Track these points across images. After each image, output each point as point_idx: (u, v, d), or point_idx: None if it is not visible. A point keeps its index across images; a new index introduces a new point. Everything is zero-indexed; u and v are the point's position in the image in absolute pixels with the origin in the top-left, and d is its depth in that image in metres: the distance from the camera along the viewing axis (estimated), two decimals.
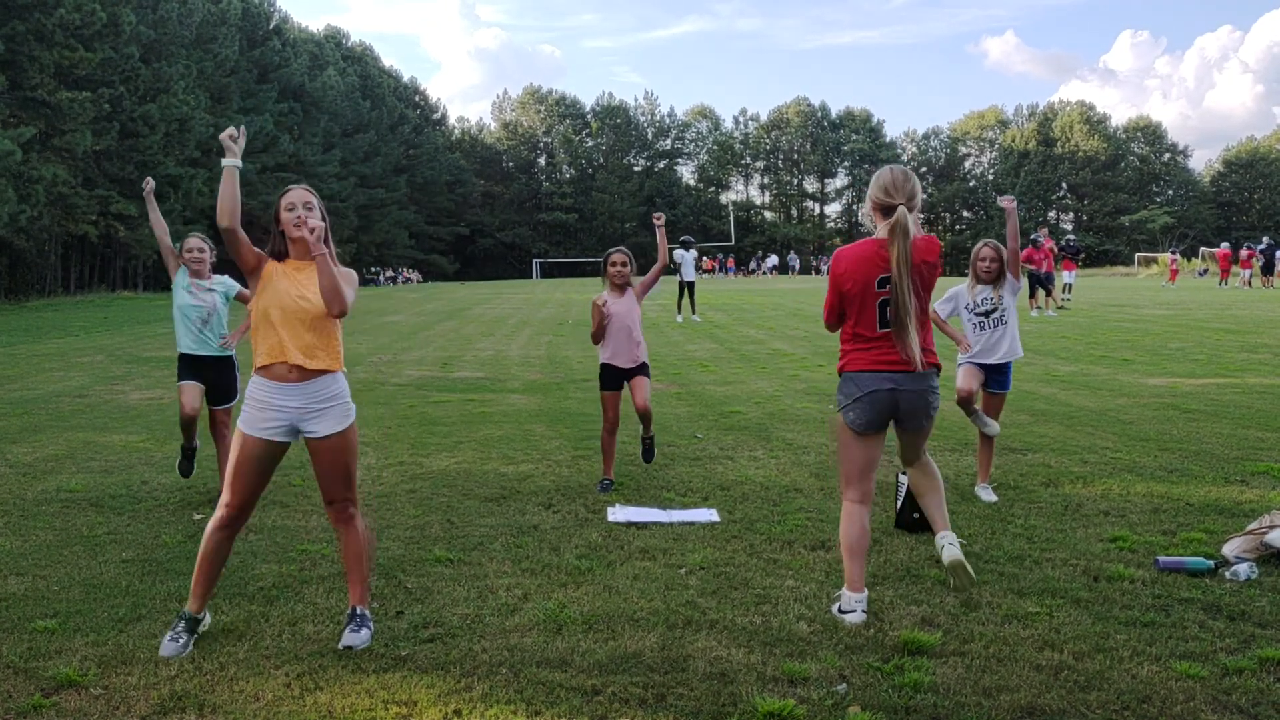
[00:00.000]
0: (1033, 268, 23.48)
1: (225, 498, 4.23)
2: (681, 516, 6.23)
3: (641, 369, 7.13)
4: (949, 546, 4.45)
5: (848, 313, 4.47)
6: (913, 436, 4.57)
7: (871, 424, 4.44)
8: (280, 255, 4.23)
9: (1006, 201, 6.25)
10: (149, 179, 6.91)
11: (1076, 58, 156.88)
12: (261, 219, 57.15)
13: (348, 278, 4.23)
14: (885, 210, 4.37)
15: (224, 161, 4.10)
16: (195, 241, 6.90)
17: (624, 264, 7.11)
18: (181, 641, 4.11)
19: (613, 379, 7.09)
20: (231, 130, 4.15)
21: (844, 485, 4.58)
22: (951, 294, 6.78)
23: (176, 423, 6.93)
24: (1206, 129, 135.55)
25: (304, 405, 4.16)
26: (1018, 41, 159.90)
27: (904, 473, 6.04)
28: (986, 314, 6.61)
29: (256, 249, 4.21)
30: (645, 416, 7.19)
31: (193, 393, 6.81)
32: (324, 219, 4.20)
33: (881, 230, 4.37)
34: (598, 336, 7.06)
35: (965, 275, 6.81)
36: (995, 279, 6.59)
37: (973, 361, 6.69)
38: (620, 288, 7.10)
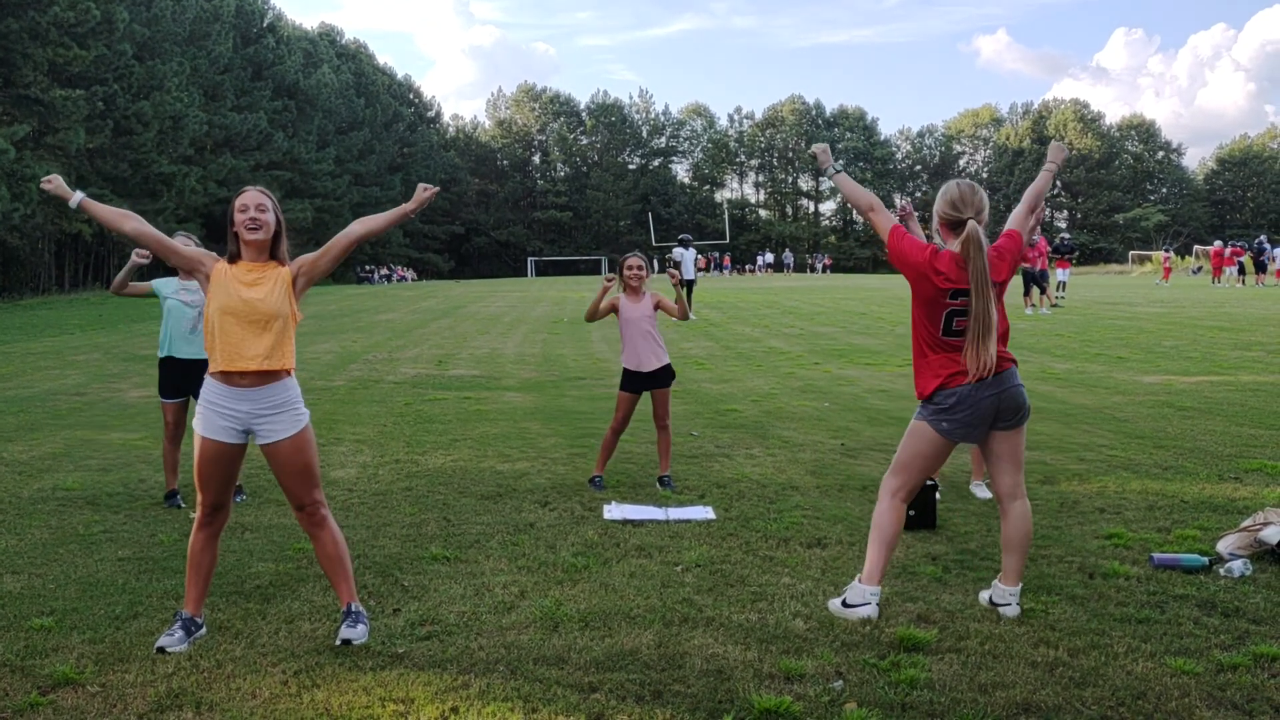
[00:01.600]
0: (1026, 265, 23.51)
1: (198, 500, 4.25)
2: (678, 514, 6.24)
3: (665, 374, 7.07)
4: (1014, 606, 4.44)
5: (919, 317, 4.38)
6: (1012, 440, 4.43)
7: (968, 432, 4.36)
8: (234, 257, 4.23)
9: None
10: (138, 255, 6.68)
11: (1068, 56, 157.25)
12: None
13: (327, 248, 4.30)
14: (954, 225, 4.35)
15: (70, 203, 4.26)
16: (182, 236, 6.76)
17: (640, 267, 7.06)
18: (178, 636, 4.12)
19: (634, 383, 7.04)
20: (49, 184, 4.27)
21: (896, 480, 4.51)
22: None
23: (164, 423, 6.87)
24: (1198, 127, 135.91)
25: (254, 410, 4.15)
26: (1009, 40, 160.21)
27: None
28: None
29: (194, 249, 4.31)
30: (664, 429, 7.10)
31: (173, 410, 6.79)
32: (279, 220, 4.22)
33: (954, 246, 4.32)
34: (592, 315, 7.02)
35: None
36: None
37: None
38: (636, 290, 7.05)
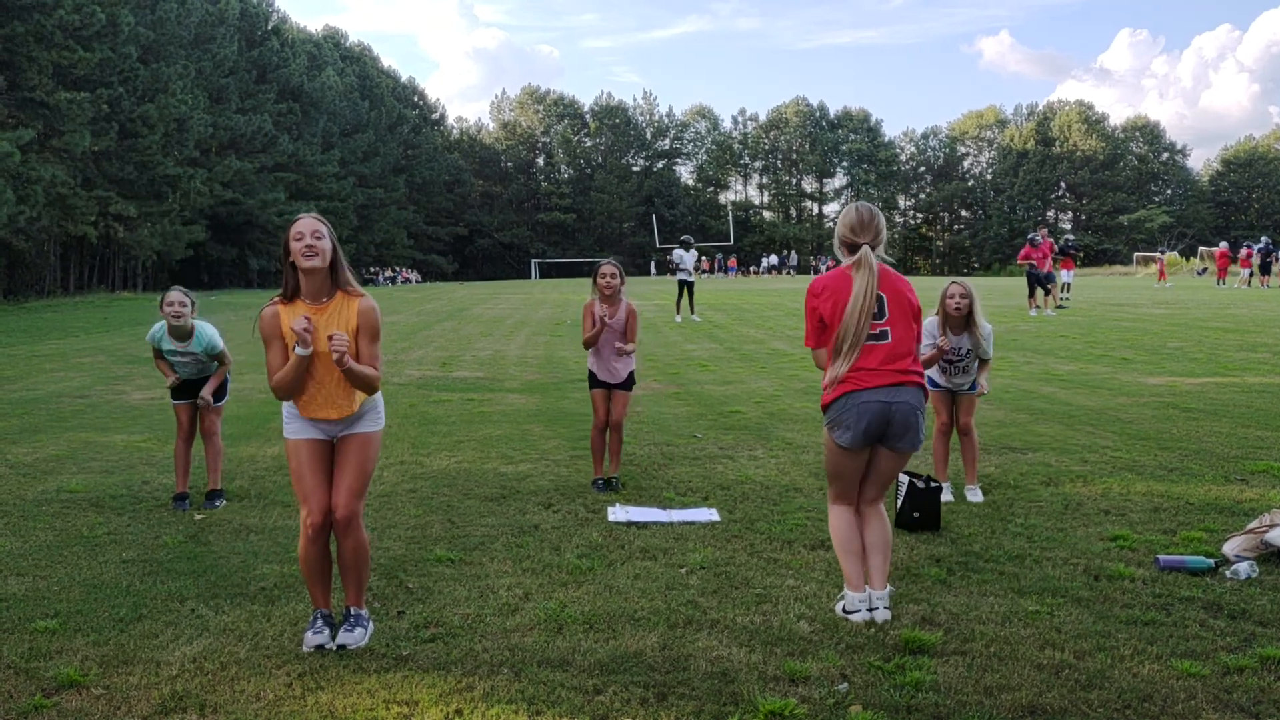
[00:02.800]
0: (1033, 266, 23.48)
1: (303, 513, 4.19)
2: (682, 516, 6.24)
3: (626, 382, 7.14)
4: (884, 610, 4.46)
5: (827, 339, 4.52)
6: (895, 461, 4.56)
7: (864, 438, 4.45)
8: (294, 292, 4.15)
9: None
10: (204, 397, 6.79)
11: (1071, 58, 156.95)
12: (259, 219, 57.33)
13: (369, 329, 4.17)
14: (851, 248, 4.52)
15: (297, 350, 4.05)
16: (177, 295, 6.58)
17: (613, 275, 7.02)
18: (325, 634, 4.15)
19: (601, 381, 7.14)
20: (304, 323, 4.05)
21: (831, 488, 4.68)
22: (928, 329, 6.63)
23: (176, 424, 6.90)
24: (1202, 128, 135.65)
25: (342, 430, 4.23)
26: (1012, 41, 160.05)
27: (905, 471, 6.05)
28: (952, 362, 6.60)
29: (270, 323, 4.14)
30: (616, 430, 7.14)
31: (184, 410, 6.81)
32: (334, 246, 4.13)
33: (847, 264, 4.50)
34: (590, 343, 7.03)
35: (934, 310, 6.58)
36: (965, 319, 6.44)
37: (939, 387, 6.75)
38: (610, 299, 7.05)
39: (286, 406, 4.23)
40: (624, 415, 7.20)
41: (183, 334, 6.62)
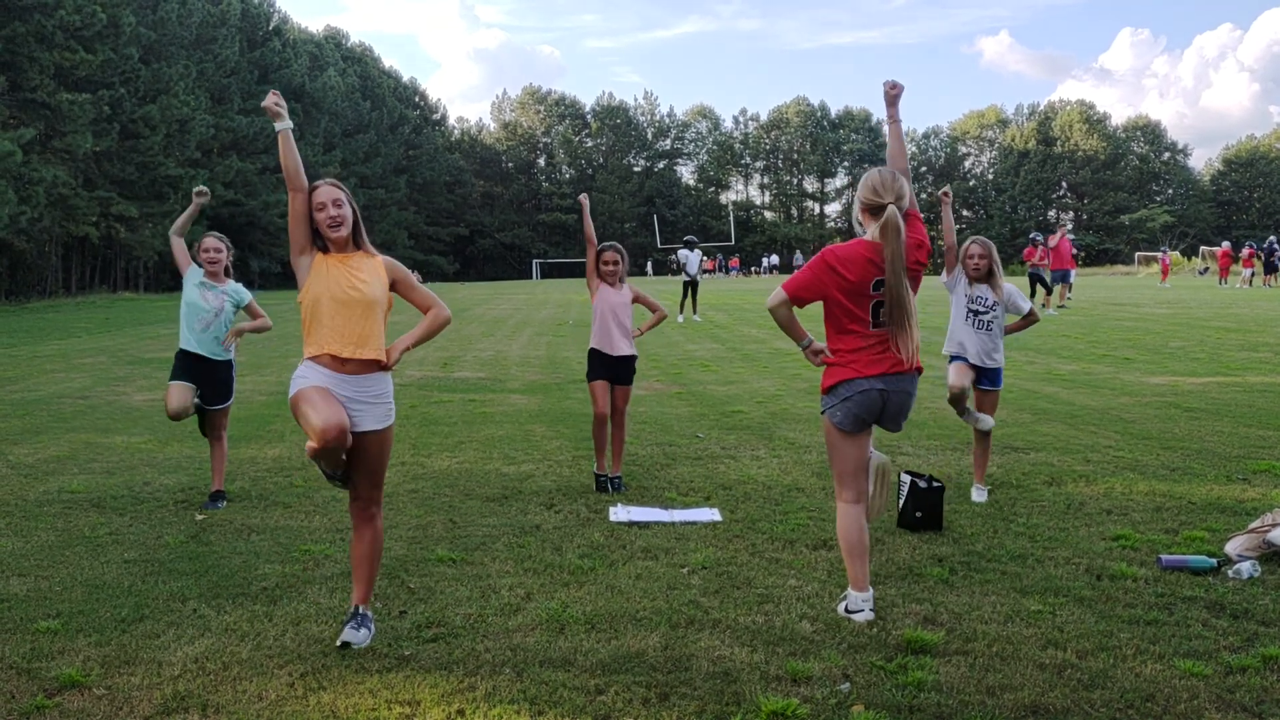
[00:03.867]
0: (1032, 266, 23.47)
1: (316, 426, 3.97)
2: (684, 516, 6.23)
3: (628, 365, 7.15)
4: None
5: (833, 312, 4.45)
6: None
7: (859, 423, 4.45)
8: (323, 250, 4.22)
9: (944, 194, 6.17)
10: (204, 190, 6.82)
11: (1071, 57, 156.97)
12: (261, 220, 57.33)
13: (405, 280, 4.35)
14: (875, 210, 4.39)
15: (276, 125, 4.16)
16: (212, 241, 6.77)
17: (616, 261, 7.20)
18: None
19: (600, 367, 7.11)
20: (274, 97, 4.21)
21: (838, 486, 4.60)
22: (958, 270, 6.65)
23: (178, 424, 6.90)
24: (1203, 128, 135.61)
25: (352, 396, 4.14)
26: (1012, 41, 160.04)
27: (907, 471, 6.05)
28: (978, 314, 6.56)
29: (311, 232, 4.19)
30: (619, 427, 7.16)
31: (180, 392, 6.67)
32: (354, 210, 4.21)
33: (873, 231, 4.38)
34: (590, 240, 7.32)
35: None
36: (986, 276, 6.51)
37: (963, 358, 6.63)
38: (614, 282, 7.19)
39: (300, 367, 4.17)
40: (627, 408, 7.19)
41: (217, 278, 6.74)
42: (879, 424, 4.53)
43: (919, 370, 4.49)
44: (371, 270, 4.22)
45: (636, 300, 7.25)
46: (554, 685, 3.76)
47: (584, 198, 7.42)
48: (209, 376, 6.76)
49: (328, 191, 4.15)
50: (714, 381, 13.08)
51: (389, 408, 4.27)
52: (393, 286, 4.31)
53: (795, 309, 4.48)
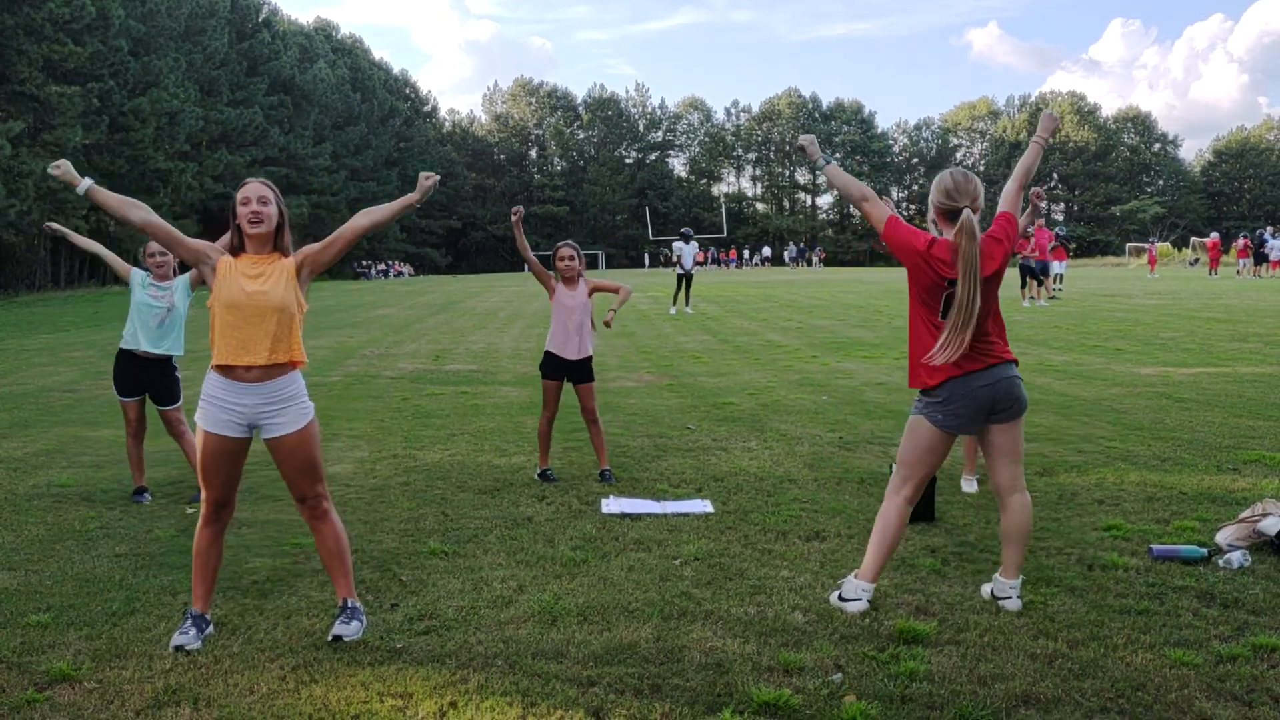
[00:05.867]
0: (1024, 258, 23.52)
1: (202, 495, 4.21)
2: (676, 508, 6.23)
3: (585, 367, 7.10)
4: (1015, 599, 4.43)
5: (920, 309, 4.36)
6: (1009, 432, 4.39)
7: (966, 423, 4.35)
8: (237, 250, 4.17)
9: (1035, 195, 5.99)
10: (49, 224, 6.96)
11: (1060, 49, 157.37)
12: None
13: (311, 251, 4.23)
14: (949, 214, 4.33)
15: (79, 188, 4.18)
16: (157, 245, 6.55)
17: (571, 258, 7.09)
18: (191, 634, 4.10)
19: (555, 369, 7.09)
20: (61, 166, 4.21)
21: (902, 482, 4.50)
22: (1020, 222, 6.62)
23: (125, 420, 6.85)
24: (1192, 119, 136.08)
25: (261, 404, 4.11)
26: (1001, 33, 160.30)
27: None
28: None
29: (199, 241, 4.21)
30: (594, 423, 7.13)
31: (132, 408, 6.75)
32: (281, 211, 4.16)
33: (949, 235, 4.31)
34: (525, 257, 7.00)
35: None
36: None
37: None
38: (570, 280, 7.09)
39: (206, 382, 4.15)
40: (594, 405, 7.15)
41: (166, 278, 6.70)
42: (992, 420, 4.37)
43: (1013, 360, 4.41)
44: (279, 272, 4.13)
45: (595, 291, 7.15)
46: (546, 677, 3.75)
47: (517, 211, 7.10)
48: (151, 379, 6.72)
49: (255, 188, 4.11)
50: (705, 373, 13.08)
51: (303, 406, 4.20)
52: (310, 265, 4.20)
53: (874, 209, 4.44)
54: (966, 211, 4.22)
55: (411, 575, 4.99)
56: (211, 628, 4.23)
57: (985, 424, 4.41)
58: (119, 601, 4.63)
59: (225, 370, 4.10)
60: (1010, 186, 4.58)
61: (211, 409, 4.13)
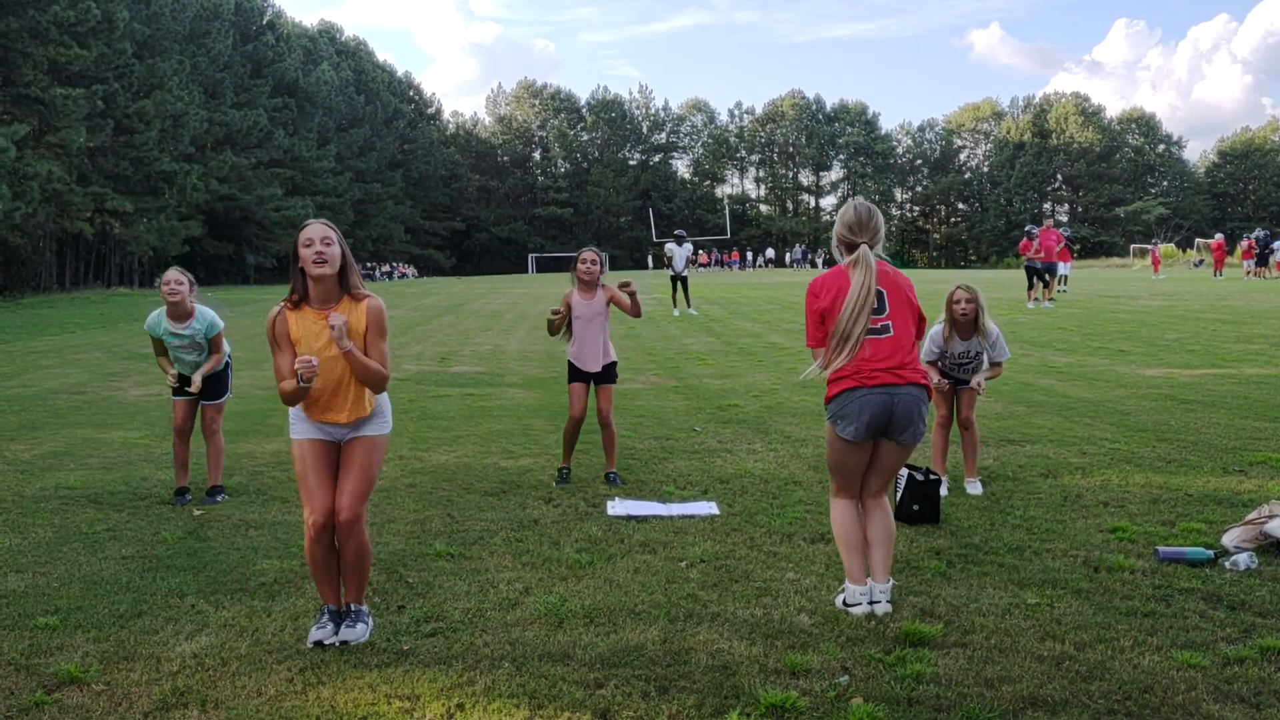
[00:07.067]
0: (1028, 259, 23.51)
1: (305, 513, 4.17)
2: (681, 510, 6.24)
3: (609, 371, 7.12)
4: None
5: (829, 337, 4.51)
6: (897, 454, 4.53)
7: (864, 431, 4.44)
8: (301, 299, 4.13)
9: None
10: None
11: (1062, 50, 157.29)
12: (256, 214, 57.19)
13: (377, 327, 4.16)
14: (849, 246, 4.51)
15: (300, 381, 4.00)
16: (174, 274, 6.63)
17: (594, 262, 7.06)
18: (329, 629, 4.15)
19: (580, 374, 7.12)
20: (309, 363, 3.98)
21: (836, 484, 4.64)
22: (933, 337, 6.59)
23: (174, 418, 6.90)
24: (1195, 120, 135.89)
25: (348, 433, 4.22)
26: (1003, 34, 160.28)
27: (904, 465, 6.04)
28: (960, 365, 6.63)
29: (280, 329, 4.13)
30: (607, 426, 7.14)
31: (183, 407, 6.80)
32: (344, 251, 4.12)
33: (846, 263, 4.48)
34: (553, 331, 7.04)
35: (941, 315, 6.54)
36: (973, 324, 6.41)
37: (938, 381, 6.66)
38: (589, 286, 7.05)
39: (294, 408, 4.22)
40: (610, 409, 7.16)
41: (182, 314, 6.66)
42: (887, 436, 4.48)
43: (922, 383, 4.49)
44: (351, 324, 4.12)
45: (611, 301, 7.07)
46: (553, 679, 3.76)
47: (558, 313, 7.04)
48: (209, 383, 6.79)
49: (317, 229, 4.07)
50: (710, 375, 13.09)
51: (384, 419, 4.27)
52: (365, 332, 4.16)
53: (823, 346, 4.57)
54: (863, 247, 4.43)
55: (418, 577, 5.00)
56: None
57: (881, 438, 4.49)
58: (126, 604, 4.64)
59: (312, 415, 4.18)
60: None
61: (305, 424, 4.19)
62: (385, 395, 4.31)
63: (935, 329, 6.58)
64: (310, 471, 4.15)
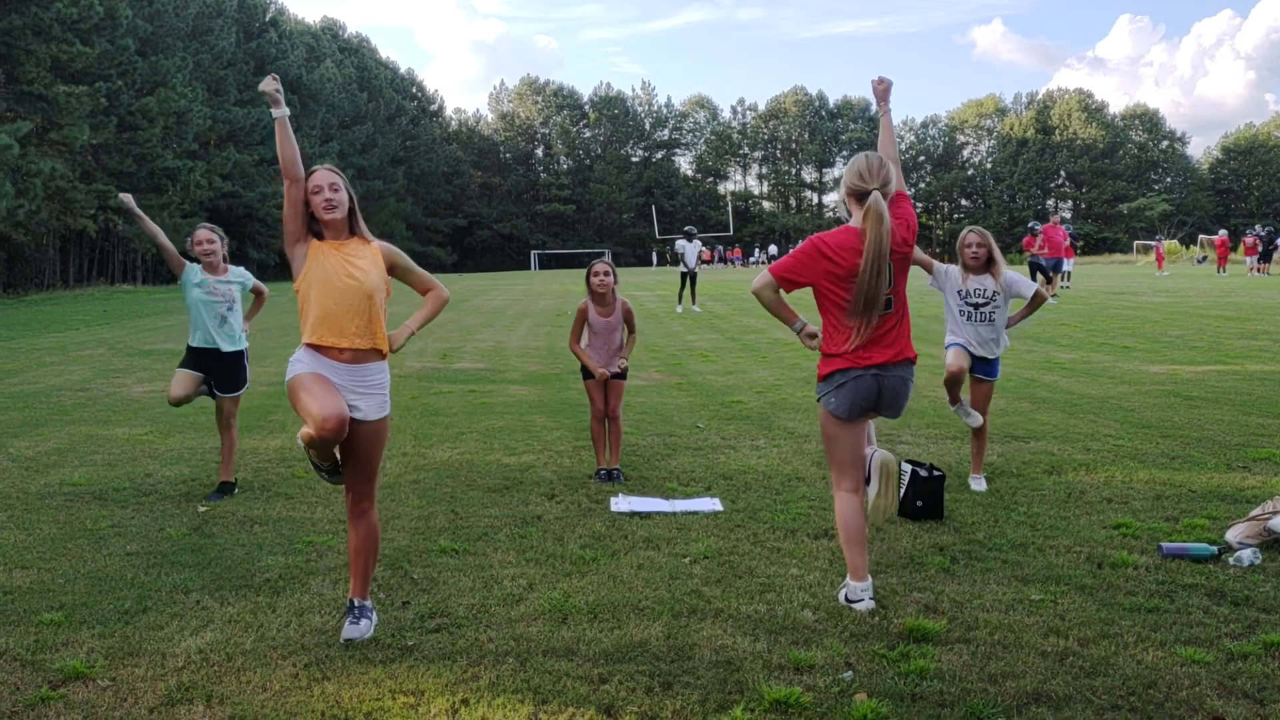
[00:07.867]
0: (1032, 254, 23.49)
1: (308, 419, 3.99)
2: (685, 506, 6.24)
3: (620, 370, 7.16)
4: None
5: (826, 302, 4.45)
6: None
7: (856, 411, 4.45)
8: (318, 236, 4.21)
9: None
10: (124, 195, 6.81)
11: (1065, 46, 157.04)
12: (259, 211, 57.23)
13: (403, 262, 4.43)
14: (859, 196, 4.39)
15: (274, 112, 4.15)
16: (205, 233, 6.72)
17: (606, 273, 7.01)
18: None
19: (590, 372, 7.16)
20: (273, 81, 4.17)
21: (835, 476, 4.60)
22: (941, 269, 6.61)
23: (179, 415, 6.91)
24: (1198, 116, 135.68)
25: (349, 384, 4.13)
26: (1005, 30, 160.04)
27: (907, 460, 6.05)
28: (977, 306, 6.48)
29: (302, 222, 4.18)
30: (614, 421, 7.16)
31: (185, 380, 6.70)
32: (351, 196, 4.20)
33: (858, 217, 4.37)
34: (573, 346, 7.11)
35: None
36: (985, 265, 6.45)
37: (961, 344, 6.53)
38: (604, 298, 7.02)
39: (297, 356, 4.16)
40: (620, 404, 7.20)
41: (219, 269, 6.75)
42: (878, 411, 4.53)
43: (912, 360, 4.50)
44: (368, 257, 4.21)
45: (627, 317, 7.11)
46: (557, 675, 3.77)
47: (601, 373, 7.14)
48: (221, 366, 6.78)
49: (324, 175, 4.14)
50: (713, 372, 13.09)
51: (385, 398, 4.25)
52: (391, 271, 4.32)
53: (783, 293, 4.48)
54: (875, 194, 4.30)
55: (422, 573, 5.01)
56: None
57: (872, 412, 4.51)
58: (131, 600, 4.65)
59: (316, 349, 4.13)
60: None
61: (299, 365, 4.13)
62: (387, 376, 4.29)
63: (952, 268, 6.58)
64: (313, 384, 4.03)
